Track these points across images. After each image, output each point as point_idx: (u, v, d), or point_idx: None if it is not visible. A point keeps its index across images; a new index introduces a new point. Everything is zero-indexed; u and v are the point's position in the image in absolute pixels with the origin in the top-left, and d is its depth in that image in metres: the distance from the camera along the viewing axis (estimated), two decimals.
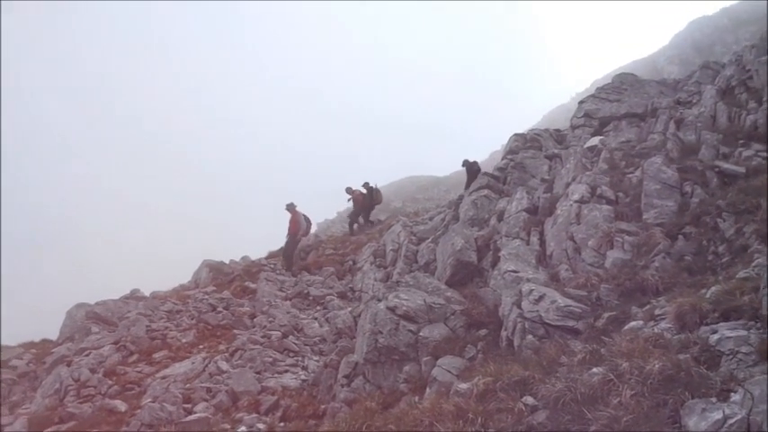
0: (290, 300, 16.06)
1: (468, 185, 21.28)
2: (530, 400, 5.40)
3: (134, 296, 17.18)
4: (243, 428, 8.86)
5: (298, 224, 18.34)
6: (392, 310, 9.31)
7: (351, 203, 22.95)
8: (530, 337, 7.29)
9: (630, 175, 10.38)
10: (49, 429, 10.57)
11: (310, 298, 16.30)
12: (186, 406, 10.63)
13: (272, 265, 18.61)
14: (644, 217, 9.11)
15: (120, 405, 11.05)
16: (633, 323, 6.43)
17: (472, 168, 21.39)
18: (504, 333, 8.04)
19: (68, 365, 12.66)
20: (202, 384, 11.36)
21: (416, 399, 7.42)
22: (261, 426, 9.08)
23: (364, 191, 22.44)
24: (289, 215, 18.48)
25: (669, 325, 5.91)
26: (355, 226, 22.58)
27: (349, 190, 22.25)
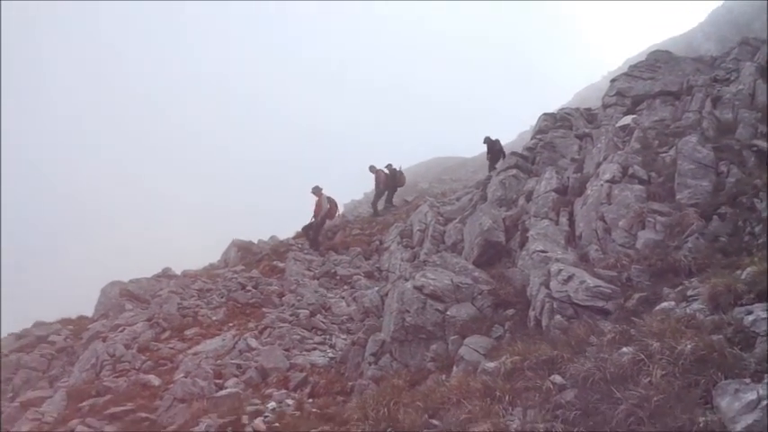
0: (318, 279, 16.21)
1: (490, 163, 21.12)
2: (558, 378, 5.40)
3: (165, 275, 17.53)
4: (272, 404, 9.01)
5: (320, 207, 18.63)
6: (419, 289, 9.34)
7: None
8: (558, 317, 7.25)
9: (664, 155, 10.15)
10: (87, 402, 10.92)
11: (338, 277, 16.42)
12: (217, 381, 10.87)
13: (299, 245, 18.78)
14: (677, 197, 8.92)
15: (154, 380, 11.35)
16: (664, 304, 6.34)
17: (494, 146, 21.17)
18: (531, 313, 8.00)
19: (104, 341, 13.02)
20: (233, 361, 11.59)
21: (443, 377, 7.47)
22: (290, 401, 9.23)
23: (387, 172, 22.37)
24: (315, 198, 18.77)
25: (702, 306, 5.82)
26: (379, 207, 22.47)
27: (372, 168, 22.17)
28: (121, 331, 13.33)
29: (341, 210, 23.20)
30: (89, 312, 16.41)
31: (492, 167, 20.46)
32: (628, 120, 13.11)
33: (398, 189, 23.27)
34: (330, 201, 19.04)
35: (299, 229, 19.99)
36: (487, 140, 21.36)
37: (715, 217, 8.11)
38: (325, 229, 19.67)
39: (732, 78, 13.21)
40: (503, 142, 22.33)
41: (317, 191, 18.84)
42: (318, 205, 18.67)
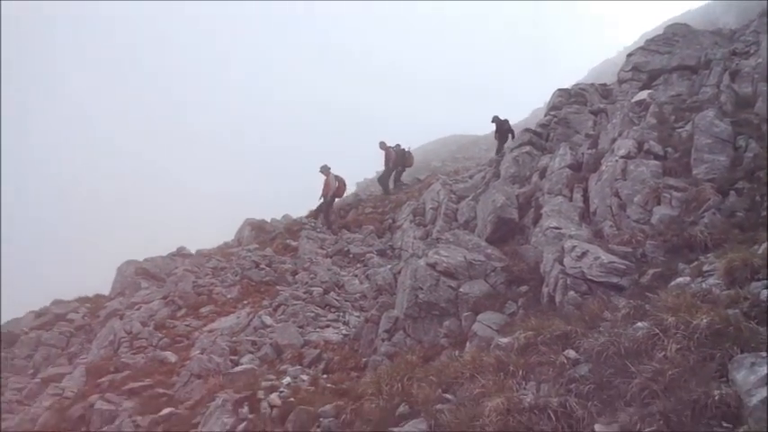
0: (331, 257, 16.30)
1: (498, 143, 20.95)
2: (572, 353, 5.39)
3: (180, 253, 17.70)
4: (287, 379, 9.10)
5: (328, 186, 18.88)
6: (432, 266, 9.34)
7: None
8: (572, 293, 7.22)
9: (680, 130, 9.99)
10: (106, 378, 11.14)
11: (350, 255, 16.50)
12: (233, 358, 11.04)
13: (312, 224, 18.86)
14: (694, 172, 8.79)
15: (171, 356, 11.55)
16: (680, 279, 6.28)
17: (503, 126, 20.99)
18: (545, 289, 7.98)
19: (121, 319, 13.24)
20: (248, 338, 11.74)
21: (457, 353, 7.50)
22: (305, 377, 9.33)
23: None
24: (323, 177, 19.02)
25: (718, 281, 5.76)
26: (391, 186, 22.32)
27: (383, 145, 22.01)
28: (138, 309, 13.53)
29: (353, 188, 23.17)
30: (105, 291, 16.65)
31: (500, 147, 20.34)
32: (644, 95, 12.89)
33: (407, 169, 23.18)
34: (338, 179, 19.23)
35: (312, 209, 20.11)
36: (496, 120, 21.15)
37: (732, 192, 7.99)
38: (336, 208, 19.82)
39: (751, 51, 12.91)
40: (516, 120, 22.11)
41: (325, 170, 19.06)
42: (327, 184, 18.91)
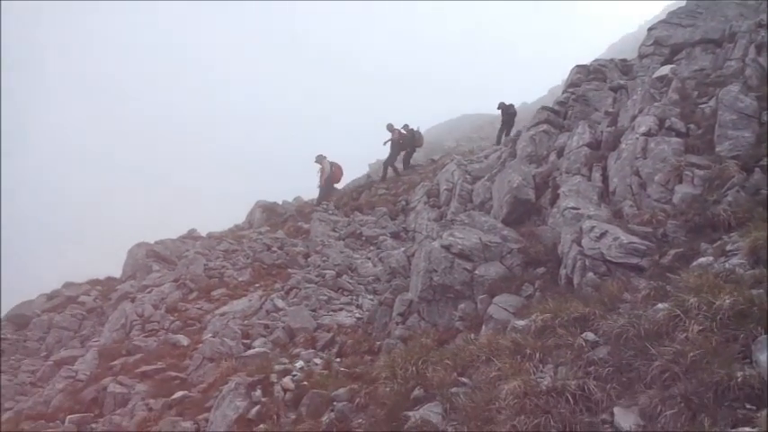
0: (343, 240, 16.18)
1: (502, 128, 20.61)
2: (590, 335, 5.26)
3: (191, 236, 17.69)
4: (300, 363, 9.02)
5: (324, 173, 19.85)
6: (447, 248, 9.18)
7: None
8: (590, 274, 7.05)
9: (704, 106, 9.65)
10: (118, 360, 11.17)
11: (363, 238, 16.35)
12: (245, 341, 10.99)
13: (324, 206, 18.75)
14: (717, 149, 8.49)
15: (183, 339, 11.55)
16: (702, 259, 6.10)
17: (508, 111, 20.64)
18: (563, 271, 7.81)
19: (132, 302, 13.24)
20: (260, 321, 11.69)
21: (472, 336, 7.37)
22: (318, 361, 9.25)
23: (404, 132, 21.74)
24: (318, 166, 20.04)
25: (742, 260, 5.58)
26: (399, 168, 21.93)
27: (390, 127, 21.59)
28: (149, 292, 13.53)
29: (366, 169, 23.00)
30: (116, 274, 16.68)
31: (502, 133, 20.08)
32: (665, 70, 12.49)
33: (417, 149, 22.84)
34: (334, 165, 19.97)
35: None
36: (501, 106, 20.79)
37: (757, 169, 7.69)
38: (348, 190, 20.05)
39: None
40: (530, 101, 21.75)
41: (320, 159, 19.89)
42: (323, 172, 19.74)
